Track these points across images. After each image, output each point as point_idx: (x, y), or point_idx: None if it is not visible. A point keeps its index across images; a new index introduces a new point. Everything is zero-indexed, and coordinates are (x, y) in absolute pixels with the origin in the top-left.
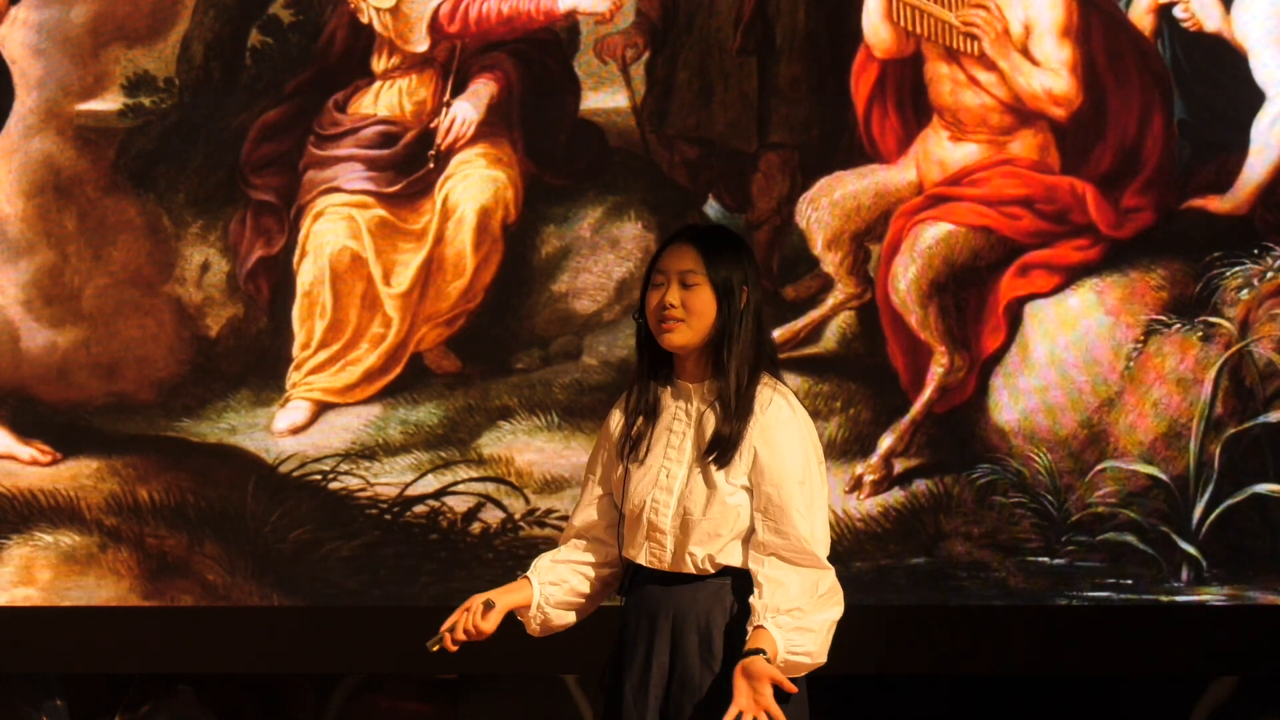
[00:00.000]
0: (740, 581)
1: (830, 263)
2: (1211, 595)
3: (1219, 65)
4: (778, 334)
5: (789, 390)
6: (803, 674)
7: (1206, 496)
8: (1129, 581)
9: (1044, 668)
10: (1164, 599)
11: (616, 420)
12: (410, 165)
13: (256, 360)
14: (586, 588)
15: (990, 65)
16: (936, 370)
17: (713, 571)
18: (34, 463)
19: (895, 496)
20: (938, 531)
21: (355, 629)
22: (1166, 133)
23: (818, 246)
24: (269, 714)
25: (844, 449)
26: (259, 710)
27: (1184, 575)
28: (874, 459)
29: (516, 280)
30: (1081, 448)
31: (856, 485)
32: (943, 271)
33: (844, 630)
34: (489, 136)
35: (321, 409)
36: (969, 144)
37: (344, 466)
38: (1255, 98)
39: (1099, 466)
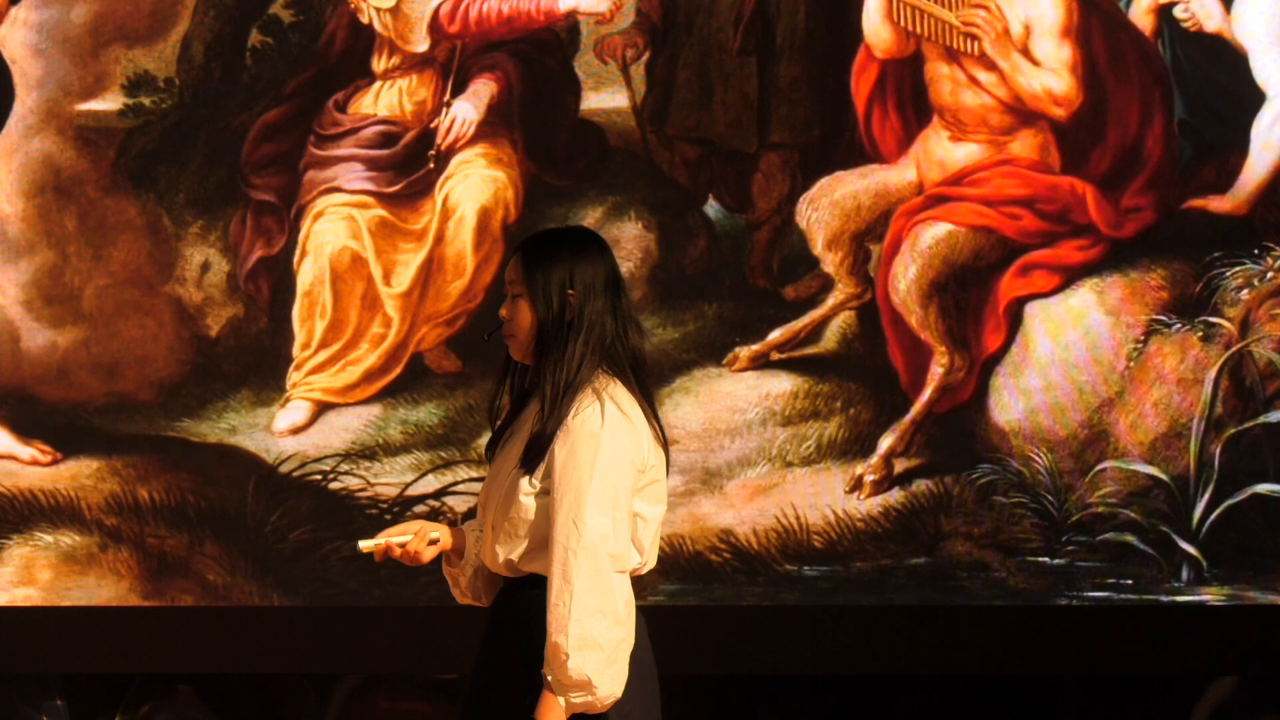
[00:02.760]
0: (542, 590)
1: (830, 263)
2: (1211, 595)
3: (1219, 65)
4: (777, 334)
5: (625, 397)
6: (601, 710)
7: (1207, 496)
8: (1129, 581)
9: (1044, 668)
10: (1164, 599)
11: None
12: (410, 165)
13: (256, 360)
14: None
15: (990, 65)
16: (937, 370)
17: (515, 577)
18: (34, 463)
19: (895, 496)
20: (938, 531)
21: (355, 629)
22: (1167, 133)
23: (818, 246)
24: (269, 714)
25: (844, 449)
26: (259, 710)
27: (1184, 575)
28: (874, 459)
29: None
30: (1082, 448)
31: (857, 485)
32: (943, 271)
33: (846, 630)
34: (489, 136)
35: (322, 409)
36: (969, 144)
37: (344, 466)
38: (1255, 98)
39: (1099, 466)
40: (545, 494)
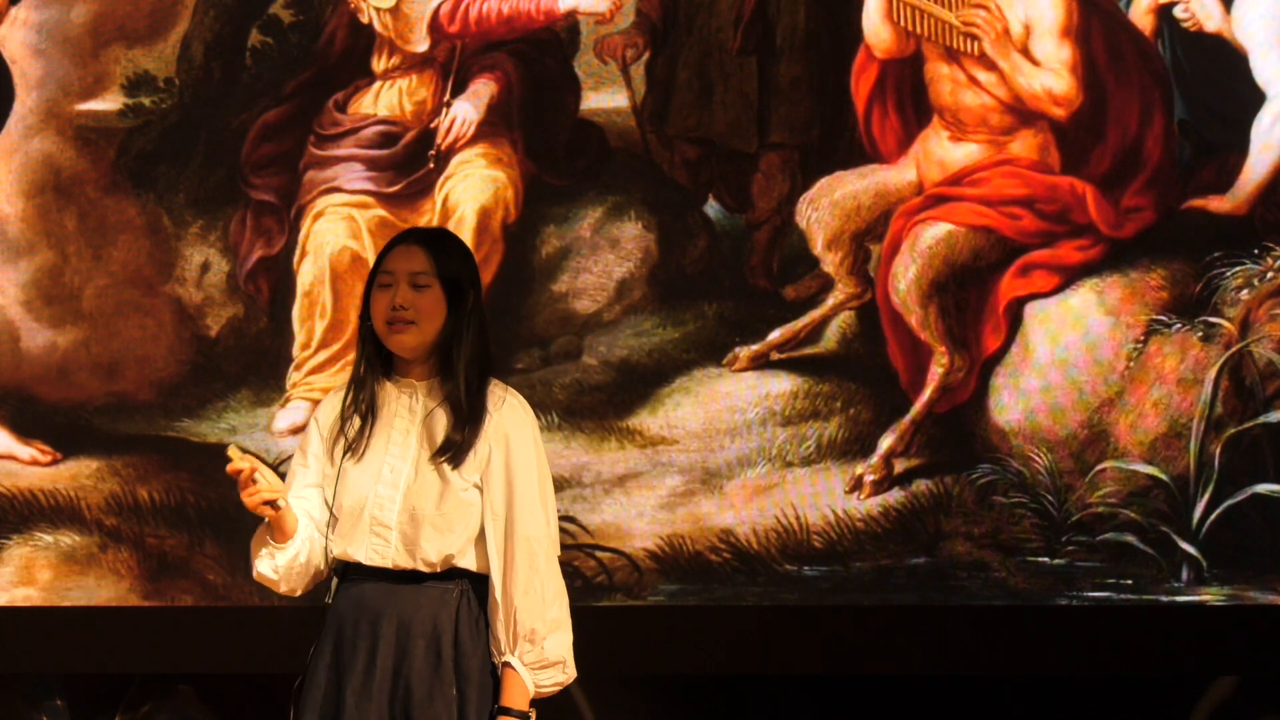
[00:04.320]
0: (468, 583)
1: (830, 263)
2: (1211, 595)
3: (1219, 65)
4: (777, 334)
5: (518, 393)
6: (558, 690)
7: (1207, 496)
8: (1129, 581)
9: (1044, 668)
10: (1164, 599)
11: (327, 415)
12: (410, 165)
13: (256, 360)
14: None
15: (990, 65)
16: (937, 370)
17: (441, 571)
18: (34, 463)
19: (895, 496)
20: (938, 531)
21: None
22: (1167, 133)
23: (818, 246)
24: (269, 714)
25: (844, 449)
26: (259, 710)
27: (1184, 575)
28: (874, 459)
29: (517, 280)
30: (1082, 448)
31: (857, 485)
32: (943, 271)
33: (846, 630)
34: (489, 136)
35: None
36: (969, 144)
37: None
38: (1255, 98)
39: (1099, 466)
40: (478, 488)
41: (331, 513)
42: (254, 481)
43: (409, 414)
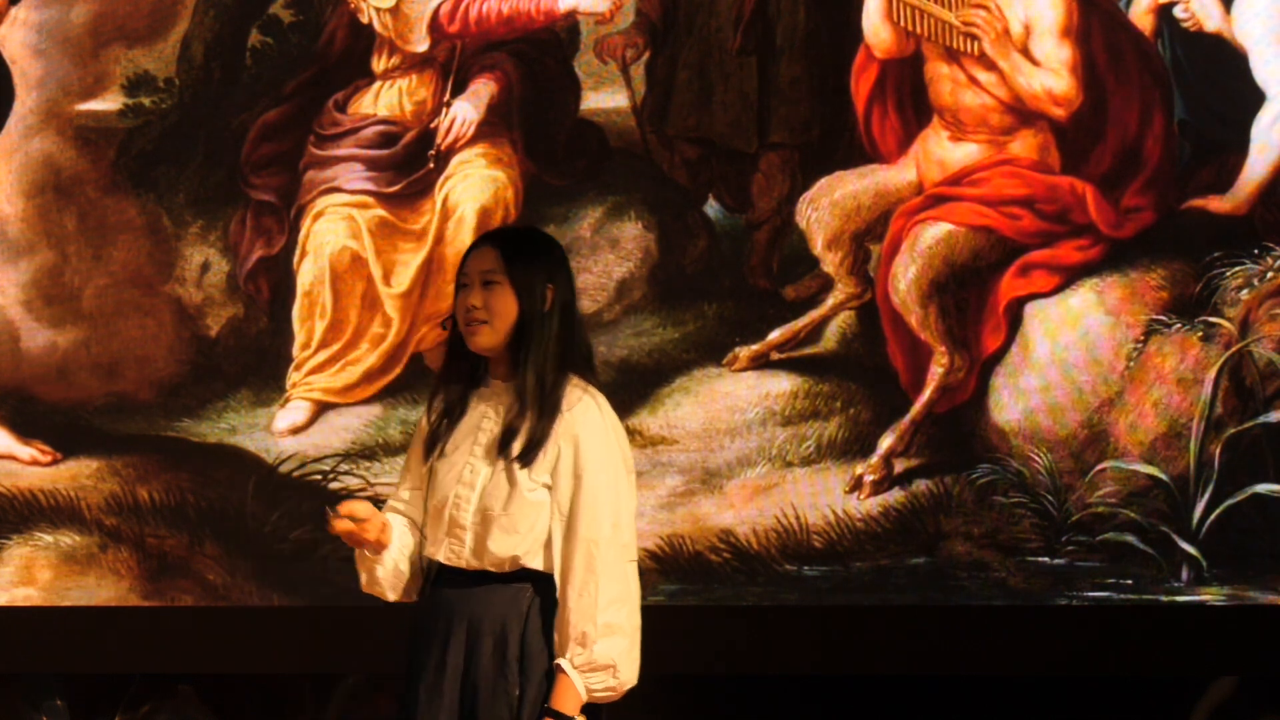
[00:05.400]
0: (540, 586)
1: (830, 263)
2: (1211, 595)
3: (1219, 65)
4: (777, 334)
5: (599, 393)
6: (617, 698)
7: (1207, 496)
8: (1129, 581)
9: (1044, 668)
10: (1164, 599)
11: (428, 417)
12: (410, 165)
13: (256, 360)
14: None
15: (990, 65)
16: (937, 370)
17: (510, 572)
18: (34, 463)
19: (895, 496)
20: (938, 531)
21: (355, 629)
22: (1167, 133)
23: (818, 246)
24: (269, 714)
25: (844, 449)
26: (259, 710)
27: (1184, 575)
28: (874, 459)
29: None
30: (1082, 448)
31: (856, 485)
32: (943, 271)
33: (846, 630)
34: (489, 136)
35: (321, 409)
36: (969, 144)
37: (344, 466)
38: (1255, 98)
39: (1099, 466)
40: (547, 488)
41: (426, 511)
42: (357, 532)
43: (494, 414)
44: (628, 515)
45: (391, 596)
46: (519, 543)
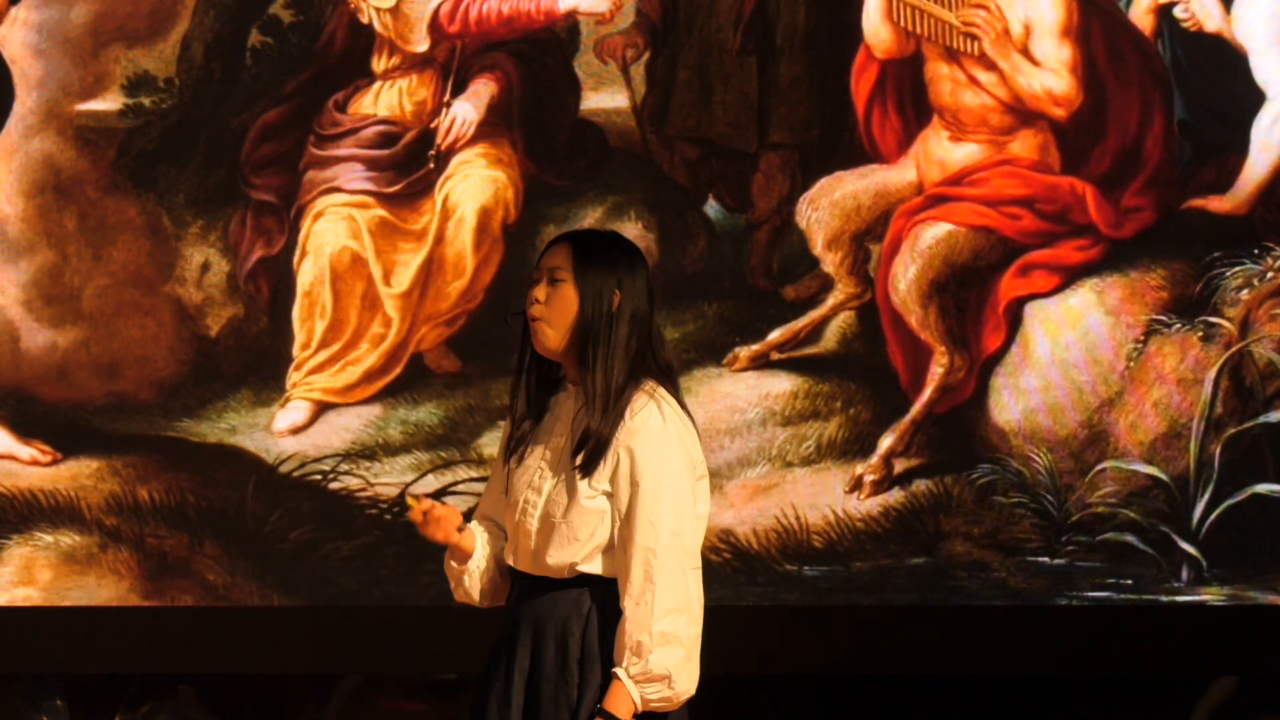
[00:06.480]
0: (602, 589)
1: (830, 263)
2: (1211, 595)
3: (1219, 65)
4: (777, 334)
5: (672, 400)
6: (674, 708)
7: (1207, 496)
8: (1129, 581)
9: (1044, 668)
10: (1164, 599)
11: (509, 423)
12: (410, 165)
13: (256, 360)
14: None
15: (990, 65)
16: (937, 370)
17: (570, 578)
18: (34, 463)
19: (895, 496)
20: (938, 531)
21: (355, 629)
22: (1167, 133)
23: (818, 246)
24: (269, 714)
25: (844, 449)
26: (259, 710)
27: (1184, 575)
28: (874, 459)
29: (517, 280)
30: (1082, 448)
31: (856, 485)
32: (943, 271)
33: (846, 630)
34: (489, 136)
35: (321, 409)
36: (969, 144)
37: (344, 466)
38: (1255, 98)
39: (1099, 466)
40: (608, 495)
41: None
42: (432, 518)
43: (567, 417)
44: (690, 522)
45: (481, 604)
46: (577, 550)
